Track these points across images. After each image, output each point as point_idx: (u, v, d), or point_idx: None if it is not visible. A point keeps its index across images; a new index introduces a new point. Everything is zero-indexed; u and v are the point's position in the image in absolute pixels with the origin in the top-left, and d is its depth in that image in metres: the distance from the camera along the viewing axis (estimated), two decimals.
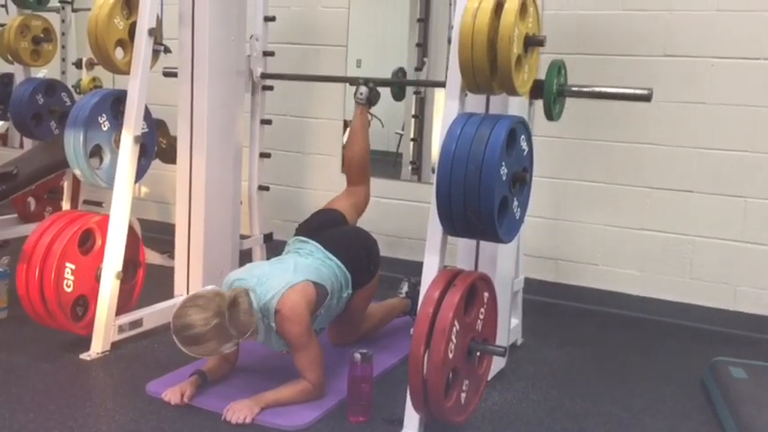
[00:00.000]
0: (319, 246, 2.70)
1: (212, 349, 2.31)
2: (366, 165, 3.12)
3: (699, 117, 3.38)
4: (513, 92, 2.17)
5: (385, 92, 3.38)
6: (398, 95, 3.85)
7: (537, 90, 2.42)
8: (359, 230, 2.95)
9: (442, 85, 2.41)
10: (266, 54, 3.59)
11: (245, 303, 2.35)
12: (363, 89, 3.15)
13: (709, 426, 2.48)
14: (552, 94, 2.40)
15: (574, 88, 2.53)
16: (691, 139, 3.40)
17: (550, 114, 2.45)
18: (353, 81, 3.26)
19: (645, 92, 2.42)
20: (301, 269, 2.53)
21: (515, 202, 2.21)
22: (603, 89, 2.60)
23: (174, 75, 3.19)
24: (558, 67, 2.44)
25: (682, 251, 3.49)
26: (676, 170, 3.45)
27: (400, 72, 3.99)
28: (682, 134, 3.42)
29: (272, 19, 3.61)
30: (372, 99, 3.18)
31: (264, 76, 3.58)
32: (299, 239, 2.78)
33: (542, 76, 2.45)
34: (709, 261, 3.44)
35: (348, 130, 3.13)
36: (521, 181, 2.21)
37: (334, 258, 2.67)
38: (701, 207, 3.43)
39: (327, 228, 2.84)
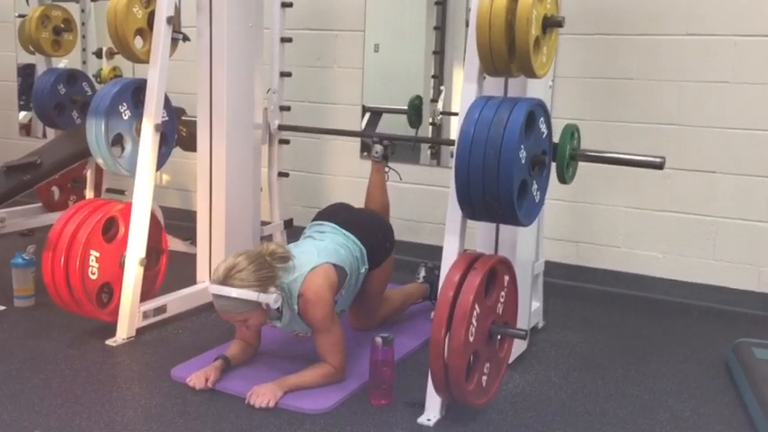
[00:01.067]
0: (335, 225, 2.74)
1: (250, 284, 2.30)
2: (386, 216, 3.15)
3: (721, 96, 3.33)
4: (531, 74, 2.16)
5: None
6: (415, 122, 3.96)
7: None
8: (373, 212, 3.03)
9: (450, 143, 2.40)
10: (284, 74, 3.62)
11: (282, 252, 2.40)
12: (379, 148, 3.17)
13: (732, 407, 2.47)
14: (565, 159, 2.40)
15: (587, 152, 2.53)
16: (713, 118, 3.36)
17: (563, 178, 2.46)
18: (369, 137, 3.27)
19: (657, 160, 2.44)
20: (321, 252, 2.56)
21: (535, 185, 2.20)
22: (616, 155, 2.61)
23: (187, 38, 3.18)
24: (571, 132, 2.44)
25: (705, 232, 3.46)
26: (699, 151, 3.41)
27: (417, 99, 4.04)
28: (704, 114, 3.37)
29: (290, 5, 3.61)
30: (388, 155, 3.21)
31: (282, 128, 3.63)
32: (316, 223, 2.82)
33: (556, 138, 2.44)
34: (733, 242, 3.41)
35: (367, 186, 3.19)
36: (540, 164, 2.20)
37: (350, 234, 2.70)
38: (724, 188, 3.39)
39: (343, 212, 2.90)
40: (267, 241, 2.40)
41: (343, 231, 2.71)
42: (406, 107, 4.02)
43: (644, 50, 3.42)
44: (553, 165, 2.39)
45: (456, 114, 3.20)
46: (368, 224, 2.83)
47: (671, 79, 3.40)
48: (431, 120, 4.19)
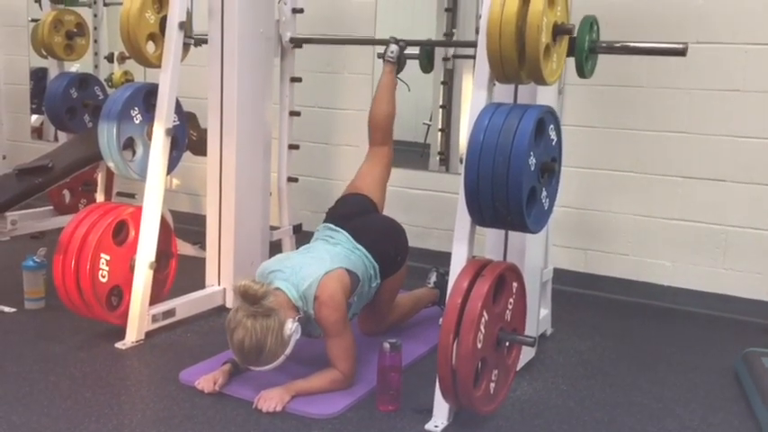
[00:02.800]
0: (348, 236, 2.71)
1: (275, 350, 2.30)
2: (391, 125, 3.07)
3: (732, 105, 3.32)
4: (541, 81, 2.16)
5: (413, 68, 3.30)
6: (426, 67, 3.78)
7: (569, 47, 2.36)
8: (387, 220, 2.94)
9: (473, 44, 2.34)
10: (296, 10, 3.60)
11: (257, 288, 2.30)
12: (394, 47, 3.11)
13: (741, 417, 2.46)
14: (584, 51, 2.34)
15: (606, 44, 2.45)
16: (723, 127, 3.35)
17: (582, 72, 2.39)
18: (384, 42, 3.20)
19: (680, 46, 2.34)
20: (335, 257, 2.56)
21: (544, 193, 2.20)
22: (637, 44, 2.52)
23: (205, 41, 3.19)
24: (590, 23, 2.37)
25: (714, 241, 3.44)
26: (708, 159, 3.40)
27: (429, 45, 3.94)
28: (714, 122, 3.37)
29: (301, 11, 3.63)
30: (401, 62, 3.15)
31: (294, 40, 3.57)
32: (329, 227, 2.78)
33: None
34: (743, 251, 3.40)
35: (376, 88, 3.09)
36: (549, 171, 2.20)
37: (362, 248, 2.68)
38: (734, 196, 3.38)
39: (356, 216, 2.83)
40: (238, 285, 2.29)
41: (356, 245, 2.68)
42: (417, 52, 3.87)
43: (654, 58, 3.41)
44: (569, 92, 2.29)
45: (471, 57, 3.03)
46: (381, 239, 2.77)
47: (681, 87, 3.40)
48: (440, 127, 4.19)
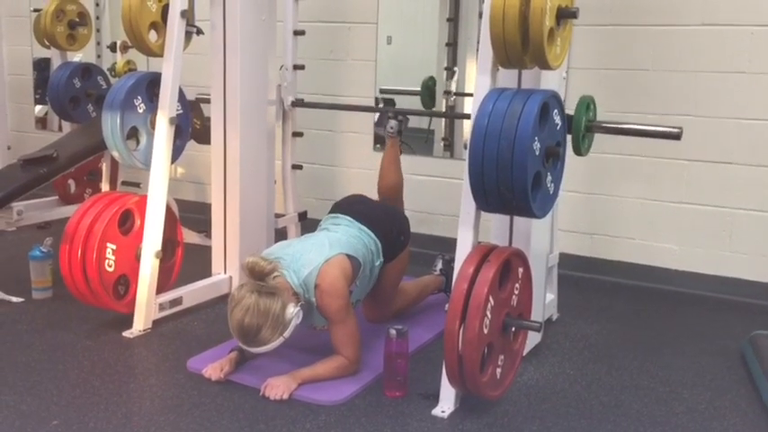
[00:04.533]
0: (349, 218, 2.74)
1: (274, 330, 2.29)
2: (400, 192, 3.16)
3: (738, 87, 3.30)
4: (545, 66, 2.15)
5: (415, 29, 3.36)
6: (428, 104, 3.94)
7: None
8: (387, 204, 3.01)
9: (466, 117, 2.39)
10: (296, 67, 3.62)
11: (264, 265, 2.31)
12: (393, 123, 3.17)
13: (748, 399, 2.46)
14: (581, 130, 2.38)
15: (603, 124, 2.51)
16: (729, 109, 3.33)
17: (579, 150, 2.44)
18: (382, 116, 3.28)
19: (675, 130, 2.41)
20: (334, 243, 2.56)
21: (549, 177, 2.20)
22: (633, 126, 2.59)
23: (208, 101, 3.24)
24: (586, 104, 2.42)
25: (721, 224, 3.43)
26: (715, 142, 3.38)
27: (430, 81, 4.01)
28: (720, 105, 3.35)
29: None
30: (402, 130, 3.21)
31: (296, 104, 3.61)
32: (332, 216, 2.82)
33: (571, 111, 2.42)
34: (750, 234, 3.38)
35: (381, 161, 3.19)
36: (554, 155, 2.19)
37: (364, 228, 2.70)
38: (741, 179, 3.36)
39: (358, 205, 2.89)
40: (246, 261, 2.30)
41: (358, 224, 2.71)
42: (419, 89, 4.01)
43: (659, 41, 3.40)
44: (573, 74, 2.33)
45: (470, 95, 3.17)
46: (383, 217, 2.83)
47: (686, 70, 3.38)
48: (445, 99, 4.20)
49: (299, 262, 2.45)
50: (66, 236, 2.81)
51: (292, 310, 2.31)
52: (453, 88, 4.10)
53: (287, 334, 2.31)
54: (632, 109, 3.49)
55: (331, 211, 2.88)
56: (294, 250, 2.51)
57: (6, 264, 3.69)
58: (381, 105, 4.06)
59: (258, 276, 2.28)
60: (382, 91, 4.06)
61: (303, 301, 2.41)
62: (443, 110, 4.14)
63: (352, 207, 2.84)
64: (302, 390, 2.38)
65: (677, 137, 2.40)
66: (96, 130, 3.23)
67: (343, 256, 2.51)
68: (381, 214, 2.85)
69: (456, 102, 4.12)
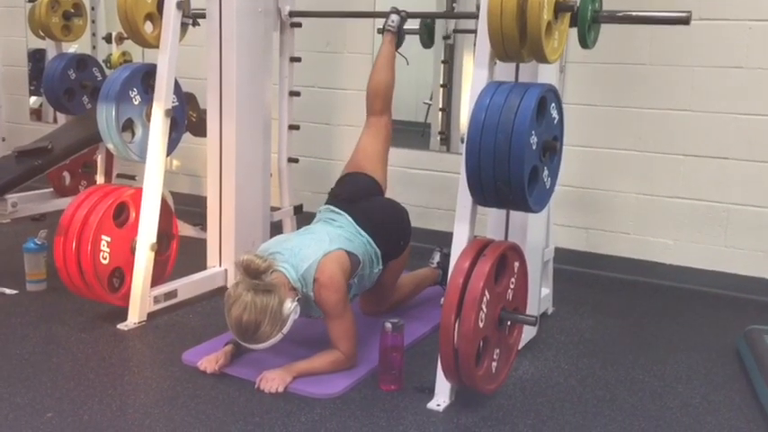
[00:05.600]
0: (351, 220, 2.69)
1: (273, 327, 2.28)
2: (390, 94, 3.05)
3: (734, 82, 3.30)
4: (543, 59, 2.14)
5: (414, 42, 3.30)
6: (427, 43, 3.76)
7: (571, 18, 2.33)
8: (390, 205, 2.91)
9: (474, 16, 2.28)
10: (293, 60, 3.59)
11: (259, 263, 2.29)
12: (395, 17, 3.09)
13: (742, 394, 2.47)
14: (587, 20, 2.32)
15: (608, 13, 2.42)
16: (726, 104, 3.33)
17: (585, 42, 2.37)
18: (385, 14, 3.17)
19: (683, 14, 2.32)
20: (334, 238, 2.55)
21: (545, 172, 2.19)
22: (640, 13, 2.49)
23: (202, 16, 3.15)
24: None
25: (716, 219, 3.44)
26: (711, 136, 3.39)
27: (431, 21, 3.91)
28: (717, 100, 3.35)
29: None
30: (401, 35, 3.12)
31: (293, 14, 3.53)
32: (331, 209, 2.77)
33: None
34: (745, 229, 3.39)
35: (375, 59, 3.07)
36: (551, 150, 2.19)
37: (364, 235, 2.66)
38: (737, 174, 3.37)
39: (360, 200, 2.80)
40: (241, 259, 2.29)
41: (359, 230, 2.67)
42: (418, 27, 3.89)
43: (656, 35, 3.39)
44: (569, 70, 2.26)
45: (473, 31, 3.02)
46: (384, 224, 2.75)
47: (684, 64, 3.38)
48: (440, 106, 4.17)
49: (297, 256, 2.44)
50: (60, 228, 2.80)
51: (290, 306, 2.31)
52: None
53: (285, 330, 2.31)
54: (629, 103, 3.49)
55: (330, 200, 2.83)
56: (293, 245, 2.50)
57: (0, 256, 3.68)
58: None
59: (253, 275, 2.27)
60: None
61: (301, 296, 2.40)
62: (442, 57, 3.99)
63: (352, 206, 2.74)
64: (297, 383, 2.38)
65: (686, 21, 2.30)
66: (91, 122, 3.21)
67: (342, 252, 2.51)
68: (383, 220, 2.76)
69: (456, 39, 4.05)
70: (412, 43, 3.37)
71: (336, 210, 2.75)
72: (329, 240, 2.52)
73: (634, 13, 2.49)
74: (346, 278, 2.48)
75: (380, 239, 2.69)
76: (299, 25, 3.60)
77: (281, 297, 2.30)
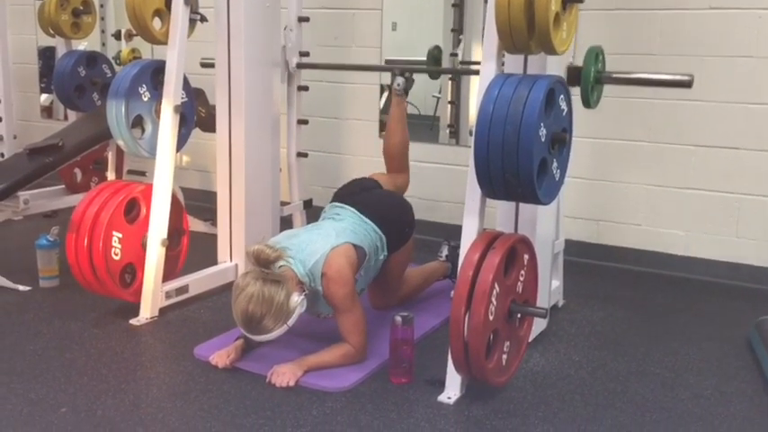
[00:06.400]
0: (354, 210, 2.72)
1: (278, 318, 2.28)
2: (406, 154, 3.13)
3: (745, 71, 3.28)
4: (551, 51, 2.14)
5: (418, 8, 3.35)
6: (434, 75, 3.84)
7: (574, 77, 2.37)
8: (392, 194, 2.97)
9: (476, 73, 2.36)
10: (302, 55, 3.60)
11: (270, 252, 2.29)
12: (400, 80, 3.15)
13: (754, 385, 2.46)
14: (590, 81, 2.35)
15: (612, 75, 2.46)
16: (737, 94, 3.31)
17: (588, 102, 2.40)
18: (389, 71, 3.25)
19: (686, 78, 2.36)
20: (341, 232, 2.56)
21: (555, 164, 2.19)
22: (643, 76, 2.54)
23: (212, 65, 3.21)
24: (595, 54, 2.39)
25: (728, 209, 3.42)
26: (722, 127, 3.36)
27: (436, 50, 3.98)
28: (727, 89, 3.32)
29: None
30: (408, 88, 3.18)
31: (301, 66, 3.57)
32: (335, 205, 2.80)
33: (580, 62, 2.40)
34: (757, 219, 3.37)
35: (387, 120, 3.15)
36: (560, 142, 2.18)
37: (368, 222, 2.69)
38: (748, 164, 3.34)
39: (361, 192, 2.86)
40: (251, 248, 2.29)
41: (363, 218, 2.70)
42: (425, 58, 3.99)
43: (666, 25, 3.37)
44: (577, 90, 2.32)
45: (476, 64, 3.14)
46: (387, 211, 2.79)
47: (693, 54, 3.35)
48: (449, 99, 4.16)
49: (305, 251, 2.45)
50: (72, 225, 2.82)
51: (296, 299, 2.31)
52: (460, 56, 4.07)
53: (290, 322, 2.31)
54: (638, 93, 3.47)
55: (333, 200, 2.86)
56: (300, 240, 2.51)
57: (13, 253, 3.71)
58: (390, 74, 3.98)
59: (263, 264, 2.28)
60: (387, 62, 4.01)
61: (308, 291, 2.41)
62: (451, 50, 4.06)
63: (355, 197, 2.81)
64: (308, 377, 2.39)
65: (688, 84, 2.35)
66: (101, 119, 3.23)
67: (349, 245, 2.51)
68: (386, 207, 2.82)
69: (463, 55, 4.08)
70: (421, 37, 3.37)
71: (340, 205, 2.78)
72: (336, 235, 2.53)
73: (636, 75, 2.54)
74: (354, 271, 2.49)
75: (385, 225, 2.71)
76: (307, 20, 3.59)
77: (289, 290, 2.30)
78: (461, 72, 4.12)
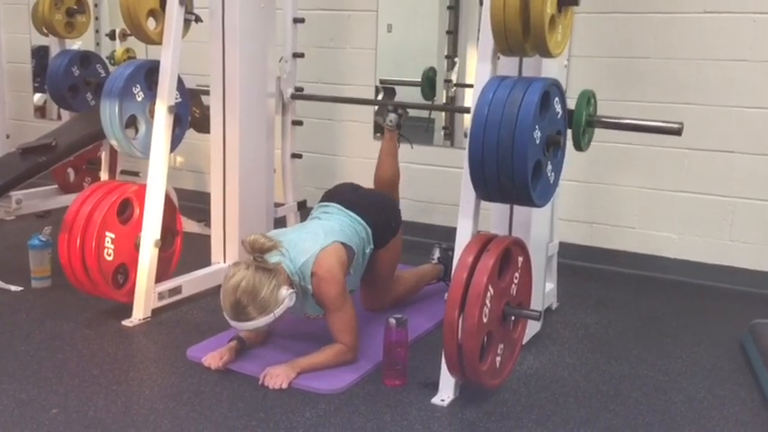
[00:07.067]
0: (339, 206, 2.74)
1: (266, 304, 2.27)
2: (396, 185, 3.15)
3: (739, 75, 3.29)
4: (546, 53, 2.14)
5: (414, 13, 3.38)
6: (429, 94, 3.86)
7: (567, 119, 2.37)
8: (378, 191, 3.03)
9: (467, 111, 2.38)
10: (296, 56, 3.61)
11: (264, 241, 2.30)
12: (393, 116, 3.16)
13: (747, 388, 2.46)
14: (581, 125, 2.36)
15: (603, 119, 2.49)
16: (731, 98, 3.32)
17: (579, 145, 2.42)
18: (382, 106, 3.28)
19: (675, 126, 2.39)
20: (329, 232, 2.57)
21: (549, 166, 2.19)
22: (633, 122, 2.57)
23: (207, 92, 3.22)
24: (587, 98, 2.40)
25: (722, 213, 3.43)
26: (716, 130, 3.37)
27: (431, 71, 3.98)
28: (721, 93, 3.33)
29: None
30: (401, 124, 3.20)
31: (295, 96, 3.60)
32: (321, 205, 2.83)
33: (571, 105, 2.41)
34: (750, 223, 3.38)
35: (379, 153, 3.18)
36: (555, 144, 2.18)
37: (354, 215, 2.70)
38: (742, 168, 3.35)
39: (347, 192, 2.90)
40: (248, 237, 2.30)
41: (348, 212, 2.72)
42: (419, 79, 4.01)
43: (661, 29, 3.38)
44: (574, 61, 2.32)
45: (471, 86, 3.17)
46: (372, 204, 2.82)
47: (688, 58, 3.36)
48: (444, 101, 4.17)
49: (295, 249, 2.45)
50: (64, 225, 2.81)
51: (285, 293, 2.30)
52: (454, 78, 4.07)
53: (277, 313, 2.28)
54: (633, 97, 3.48)
55: (321, 200, 2.88)
56: (289, 239, 2.50)
57: (5, 253, 3.69)
58: (382, 94, 4.04)
59: (258, 251, 2.28)
60: (382, 81, 4.04)
61: (298, 289, 2.41)
62: (444, 101, 4.13)
63: (341, 195, 2.84)
64: (301, 378, 2.38)
65: (677, 132, 2.40)
66: (95, 119, 3.22)
67: (338, 244, 2.52)
68: (371, 201, 2.85)
69: (456, 93, 4.11)
70: (416, 38, 3.39)
71: (325, 204, 2.81)
72: (324, 234, 2.53)
73: (628, 121, 2.56)
74: (344, 270, 2.49)
75: (369, 217, 2.73)
76: (302, 21, 3.59)
77: (279, 281, 2.30)
78: (452, 110, 4.15)
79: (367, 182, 3.12)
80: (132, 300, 2.89)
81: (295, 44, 3.60)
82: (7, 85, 4.84)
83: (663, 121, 2.48)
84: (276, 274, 2.30)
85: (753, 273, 3.39)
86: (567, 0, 2.15)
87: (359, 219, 2.71)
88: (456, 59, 4.06)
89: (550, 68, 2.54)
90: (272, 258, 2.33)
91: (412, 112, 3.98)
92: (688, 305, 3.25)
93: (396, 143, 3.17)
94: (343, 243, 2.54)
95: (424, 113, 4.25)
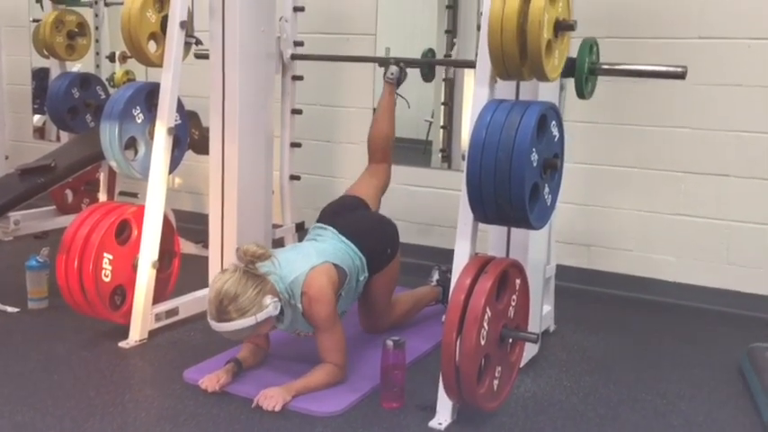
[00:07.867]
0: (335, 231, 2.74)
1: (249, 305, 2.27)
2: (390, 144, 3.14)
3: (735, 100, 3.31)
4: (543, 77, 2.16)
5: (414, 75, 3.37)
6: (428, 76, 3.82)
7: (568, 68, 2.37)
8: (375, 215, 2.99)
9: (472, 65, 2.36)
10: (296, 44, 3.62)
11: (256, 249, 2.33)
12: (394, 69, 3.17)
13: (745, 412, 2.45)
14: (584, 72, 2.36)
15: (606, 66, 2.48)
16: (727, 122, 3.34)
17: (582, 93, 2.42)
18: (383, 61, 3.27)
19: (679, 69, 2.38)
20: (321, 252, 2.57)
21: (546, 189, 2.20)
22: (636, 67, 2.56)
23: (206, 57, 3.20)
24: (589, 46, 2.41)
25: (718, 236, 3.44)
26: (712, 154, 3.39)
27: (430, 53, 3.99)
28: (718, 117, 3.36)
29: (302, 9, 3.62)
30: (401, 79, 3.20)
31: (295, 57, 3.59)
32: (318, 226, 2.83)
33: (574, 54, 2.42)
34: (747, 246, 3.39)
35: (375, 109, 3.14)
36: (552, 167, 2.19)
37: (348, 243, 2.70)
38: (738, 191, 3.37)
39: (345, 212, 2.89)
40: (243, 245, 2.34)
41: (343, 239, 2.71)
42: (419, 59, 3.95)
43: (656, 54, 3.40)
44: (571, 87, 2.35)
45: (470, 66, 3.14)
46: (370, 231, 2.81)
47: (684, 82, 3.37)
48: (441, 124, 4.19)
49: (285, 269, 2.45)
50: (62, 246, 2.81)
51: (269, 300, 2.30)
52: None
53: (260, 318, 2.27)
54: (629, 120, 3.50)
55: (318, 220, 2.88)
56: (281, 258, 2.50)
57: (3, 274, 3.68)
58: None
59: (249, 258, 2.30)
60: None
61: (283, 302, 2.40)
62: (442, 95, 4.08)
63: (336, 218, 2.82)
64: (299, 401, 2.37)
65: (681, 76, 2.38)
66: (94, 140, 3.23)
67: (329, 264, 2.52)
68: (369, 227, 2.84)
69: (456, 79, 4.12)
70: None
71: (322, 225, 2.81)
72: (316, 254, 2.54)
73: (630, 67, 2.56)
74: (335, 290, 2.49)
75: (364, 246, 2.72)
76: (302, 44, 3.62)
77: (265, 290, 2.31)
78: (453, 63, 4.11)
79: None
80: (129, 321, 2.89)
81: (294, 67, 3.62)
82: (7, 106, 4.86)
83: (666, 65, 2.48)
84: (263, 282, 2.32)
85: (750, 296, 3.39)
86: (564, 25, 2.17)
87: (353, 247, 2.69)
88: (455, 40, 4.03)
89: (547, 92, 2.56)
90: (263, 269, 2.35)
91: (410, 134, 4.02)
92: (686, 328, 3.25)
93: (394, 98, 3.16)
94: (334, 264, 2.54)
95: (422, 135, 4.27)
